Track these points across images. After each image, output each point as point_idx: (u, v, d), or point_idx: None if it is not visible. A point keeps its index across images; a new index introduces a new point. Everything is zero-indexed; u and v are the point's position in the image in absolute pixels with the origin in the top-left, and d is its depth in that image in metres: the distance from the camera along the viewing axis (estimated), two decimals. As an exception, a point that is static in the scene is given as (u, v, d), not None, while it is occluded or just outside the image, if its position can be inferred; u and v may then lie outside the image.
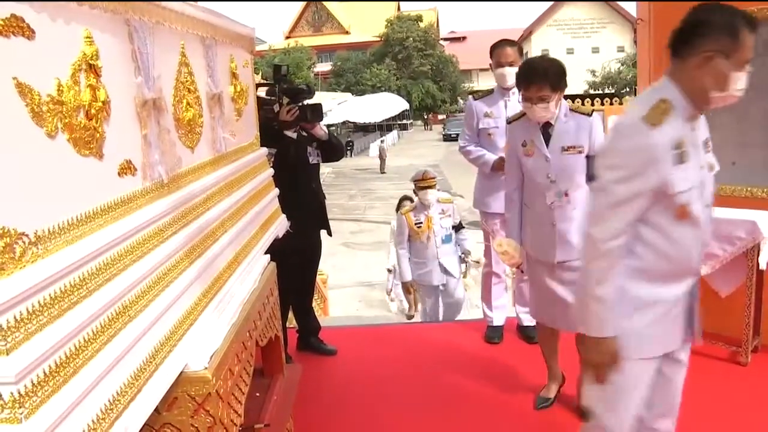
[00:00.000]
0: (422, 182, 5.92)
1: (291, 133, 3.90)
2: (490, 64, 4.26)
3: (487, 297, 4.59)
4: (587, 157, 3.11)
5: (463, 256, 6.32)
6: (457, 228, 6.15)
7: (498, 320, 4.56)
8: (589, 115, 3.15)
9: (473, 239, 6.47)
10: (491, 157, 4.18)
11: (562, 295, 3.21)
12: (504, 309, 4.59)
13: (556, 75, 3.00)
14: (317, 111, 3.92)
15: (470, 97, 4.45)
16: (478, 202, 4.46)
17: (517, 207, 3.37)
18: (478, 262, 6.24)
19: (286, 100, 3.91)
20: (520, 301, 4.46)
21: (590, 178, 2.97)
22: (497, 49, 4.19)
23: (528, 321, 4.29)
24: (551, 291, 3.26)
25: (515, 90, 4.06)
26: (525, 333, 4.44)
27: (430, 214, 5.90)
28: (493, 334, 4.51)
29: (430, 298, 6.16)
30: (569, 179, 3.13)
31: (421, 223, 5.92)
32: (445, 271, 5.98)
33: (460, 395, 3.76)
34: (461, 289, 6.30)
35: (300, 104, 3.87)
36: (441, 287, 6.04)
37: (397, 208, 6.99)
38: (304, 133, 4.04)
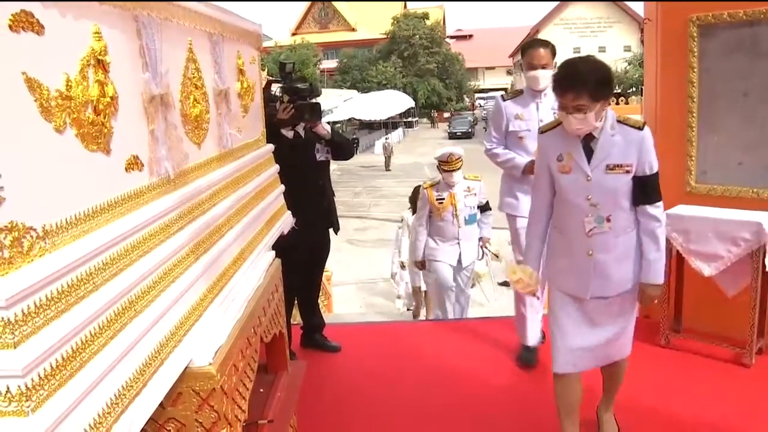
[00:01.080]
0: (447, 165, 5.50)
1: (287, 132, 3.86)
2: (520, 63, 4.04)
3: (520, 314, 4.14)
4: (634, 177, 2.66)
5: (480, 242, 5.82)
6: (483, 208, 5.73)
7: (533, 339, 4.12)
8: (641, 128, 2.63)
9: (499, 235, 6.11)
10: (522, 160, 3.89)
11: (590, 340, 2.83)
12: (540, 326, 4.14)
13: (597, 82, 2.54)
14: (314, 111, 3.88)
15: (499, 96, 4.14)
16: (504, 205, 4.15)
17: (541, 230, 2.95)
18: (497, 256, 5.93)
19: (286, 98, 3.90)
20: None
21: (637, 201, 2.70)
22: (529, 49, 3.92)
23: (531, 340, 4.09)
24: (580, 332, 2.83)
25: (546, 91, 3.87)
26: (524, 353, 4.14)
27: (453, 191, 5.49)
28: (530, 356, 4.11)
29: (444, 279, 5.63)
30: (613, 203, 2.69)
31: (443, 199, 5.50)
32: (462, 255, 5.57)
33: (463, 394, 3.76)
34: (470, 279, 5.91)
35: (297, 103, 3.84)
36: (456, 274, 5.62)
37: (411, 199, 6.70)
38: (313, 131, 4.03)
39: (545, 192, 2.87)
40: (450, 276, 5.64)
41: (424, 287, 7.17)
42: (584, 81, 2.52)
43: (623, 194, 2.68)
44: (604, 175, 2.65)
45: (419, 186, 6.10)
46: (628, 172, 2.64)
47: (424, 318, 7.31)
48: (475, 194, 5.56)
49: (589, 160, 2.67)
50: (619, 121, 2.67)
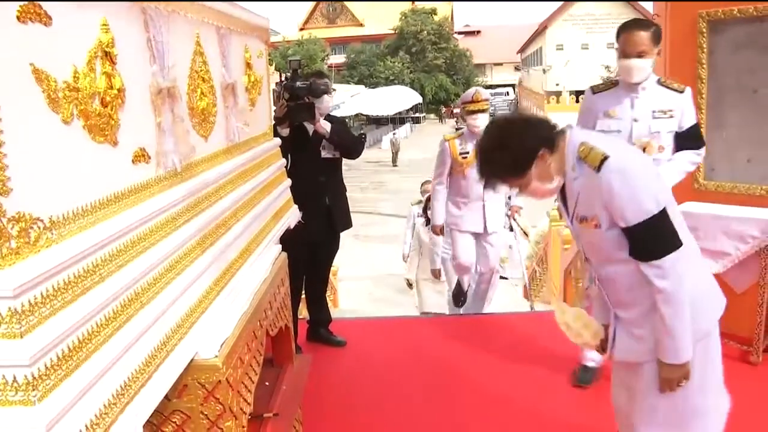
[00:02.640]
0: (472, 105, 4.68)
1: (283, 129, 3.86)
2: (617, 50, 3.28)
3: None
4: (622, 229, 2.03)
5: (508, 212, 5.15)
6: None
7: (592, 359, 3.67)
8: (597, 168, 1.98)
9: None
10: None
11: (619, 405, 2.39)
12: None
13: (506, 167, 2.10)
14: (306, 111, 3.84)
15: (589, 89, 3.53)
16: None
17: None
18: (526, 234, 5.37)
19: (286, 95, 3.88)
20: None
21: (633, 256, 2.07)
22: (624, 32, 3.19)
23: (590, 361, 3.67)
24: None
25: (645, 85, 3.24)
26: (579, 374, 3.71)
27: (469, 127, 4.75)
28: (586, 376, 3.68)
29: (464, 248, 4.92)
30: (598, 259, 2.20)
31: (468, 153, 4.67)
32: (487, 222, 4.78)
33: (469, 390, 3.76)
34: (497, 254, 5.07)
35: (290, 104, 3.82)
36: (480, 241, 4.89)
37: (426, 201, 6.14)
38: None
39: None
40: (471, 255, 4.95)
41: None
42: (492, 172, 2.14)
43: (609, 250, 2.10)
44: (580, 229, 2.16)
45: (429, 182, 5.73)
46: (597, 227, 2.06)
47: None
48: None
49: (566, 209, 2.22)
50: (580, 159, 2.05)
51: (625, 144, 2.20)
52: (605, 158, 1.97)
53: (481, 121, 4.58)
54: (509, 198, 5.13)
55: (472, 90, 4.79)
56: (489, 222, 4.80)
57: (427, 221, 5.88)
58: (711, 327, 2.17)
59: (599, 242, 2.10)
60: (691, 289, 2.04)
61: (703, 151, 3.29)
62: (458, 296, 5.26)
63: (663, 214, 1.97)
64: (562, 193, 2.19)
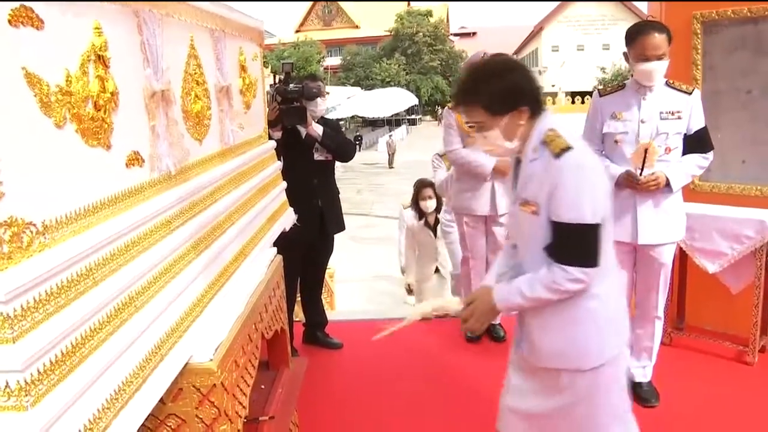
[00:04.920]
0: None
1: (275, 132, 3.85)
2: (625, 53, 3.26)
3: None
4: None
5: None
6: None
7: (642, 374, 3.58)
8: (558, 155, 1.93)
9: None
10: (616, 170, 3.24)
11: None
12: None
13: (493, 93, 1.99)
14: (297, 114, 3.84)
15: (596, 92, 3.51)
16: None
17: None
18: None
19: (279, 98, 3.88)
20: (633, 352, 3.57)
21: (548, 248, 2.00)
22: (640, 36, 3.12)
23: (641, 377, 3.58)
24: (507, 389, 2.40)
25: (654, 86, 3.22)
26: (636, 392, 3.53)
27: None
28: (650, 396, 3.53)
29: (475, 236, 4.47)
30: (527, 250, 2.13)
31: None
32: (497, 199, 4.30)
33: (467, 392, 3.76)
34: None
35: (281, 107, 3.82)
36: (490, 226, 4.42)
37: (414, 193, 5.78)
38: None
39: None
40: (483, 252, 4.51)
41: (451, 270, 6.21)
42: (476, 91, 2.02)
43: (539, 241, 2.01)
44: (519, 211, 2.07)
45: (419, 183, 5.58)
46: (534, 213, 1.99)
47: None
48: None
49: (514, 187, 2.14)
50: (544, 143, 1.98)
51: (593, 150, 2.19)
52: (568, 148, 1.93)
53: None
54: None
55: (479, 53, 4.27)
56: (500, 201, 4.31)
57: (420, 216, 5.73)
58: (619, 352, 2.14)
59: (532, 230, 2.03)
60: (612, 309, 2.08)
61: (710, 155, 3.27)
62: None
63: (595, 229, 1.93)
64: (515, 172, 2.15)
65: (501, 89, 1.98)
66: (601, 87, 3.56)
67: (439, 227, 5.80)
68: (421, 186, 5.62)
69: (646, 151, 3.11)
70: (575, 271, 1.93)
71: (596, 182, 1.97)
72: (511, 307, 2.11)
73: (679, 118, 3.18)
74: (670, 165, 3.19)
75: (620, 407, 2.22)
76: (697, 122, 3.23)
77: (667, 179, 3.14)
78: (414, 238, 5.98)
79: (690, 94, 3.22)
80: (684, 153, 3.24)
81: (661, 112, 3.19)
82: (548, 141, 1.97)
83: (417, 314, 2.35)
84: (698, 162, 3.25)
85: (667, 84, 3.23)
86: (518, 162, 2.12)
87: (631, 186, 3.19)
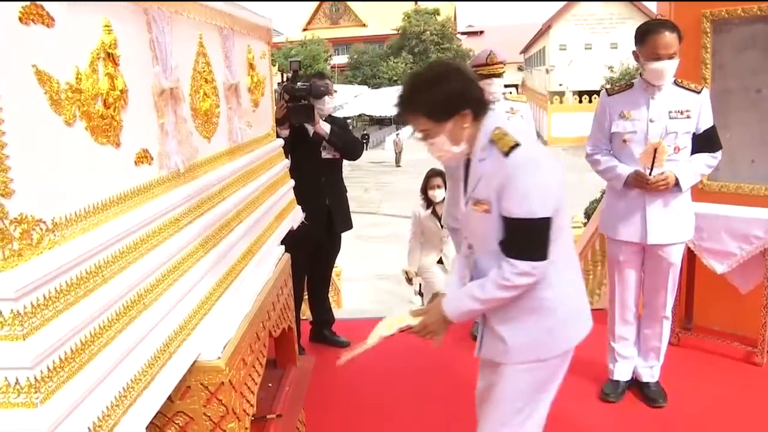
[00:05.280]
0: (486, 68, 4.17)
1: (282, 130, 3.85)
2: (635, 52, 3.22)
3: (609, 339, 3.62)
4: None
5: None
6: None
7: (621, 373, 3.58)
8: (506, 153, 1.96)
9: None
10: (625, 170, 3.22)
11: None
12: (631, 360, 3.59)
13: (433, 102, 1.99)
14: (305, 112, 3.84)
15: (603, 91, 3.47)
16: (604, 225, 3.52)
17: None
18: None
19: (286, 96, 3.88)
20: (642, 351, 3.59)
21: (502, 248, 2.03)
22: (651, 34, 3.09)
23: (649, 377, 3.55)
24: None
25: (663, 86, 3.19)
26: (644, 392, 3.55)
27: (494, 110, 4.39)
28: (612, 391, 3.56)
29: None
30: (484, 249, 2.13)
31: None
32: None
33: (473, 388, 3.75)
34: None
35: (288, 105, 3.82)
36: None
37: (424, 181, 5.70)
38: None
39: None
40: None
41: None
42: (416, 101, 2.02)
43: (494, 239, 2.04)
44: (471, 211, 2.11)
45: (431, 172, 5.48)
46: (486, 211, 2.02)
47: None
48: (522, 117, 4.34)
49: (465, 189, 2.16)
50: (492, 141, 2.01)
51: (539, 144, 2.20)
52: (516, 145, 1.95)
53: (496, 87, 4.17)
54: None
55: (485, 51, 4.27)
56: None
57: (428, 205, 5.66)
58: (570, 348, 2.17)
59: (485, 229, 2.06)
60: (559, 308, 2.09)
61: (719, 154, 3.25)
62: None
63: (545, 222, 1.96)
64: (465, 172, 2.15)
65: (441, 96, 1.98)
66: (608, 86, 3.52)
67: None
68: (430, 175, 5.55)
69: (655, 150, 3.09)
70: (523, 265, 1.96)
71: (546, 176, 2.00)
72: (465, 313, 2.13)
73: (689, 117, 3.16)
74: (679, 164, 3.17)
75: (548, 399, 2.25)
76: (706, 121, 3.21)
77: (677, 179, 3.13)
78: (420, 225, 5.89)
79: (699, 93, 3.20)
80: (692, 152, 3.23)
81: (670, 112, 3.16)
82: (496, 140, 2.00)
83: (377, 336, 2.34)
84: (707, 161, 3.23)
85: (676, 83, 3.21)
86: (468, 163, 2.13)
87: (641, 186, 3.17)
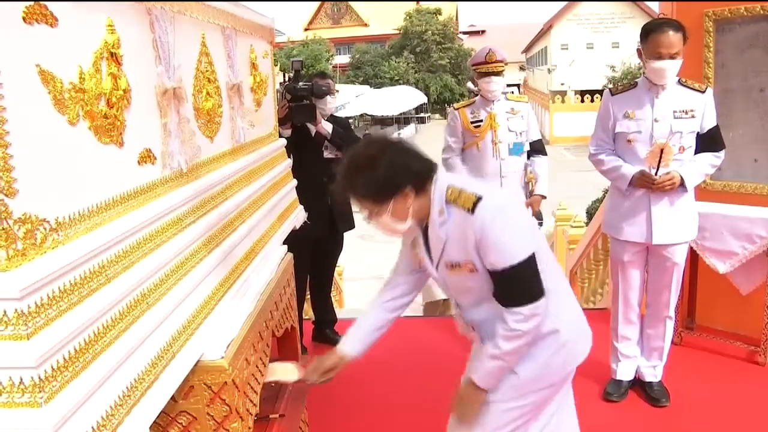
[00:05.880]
0: (485, 66, 4.14)
1: (284, 130, 3.85)
2: (639, 50, 3.20)
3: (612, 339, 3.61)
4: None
5: (528, 183, 4.60)
6: (534, 149, 4.43)
7: (624, 373, 3.59)
8: (471, 210, 1.91)
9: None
10: (629, 170, 3.21)
11: None
12: (634, 360, 3.59)
13: (368, 188, 1.95)
14: (307, 112, 3.83)
15: (607, 90, 3.43)
16: (608, 225, 3.48)
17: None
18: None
19: (288, 96, 3.88)
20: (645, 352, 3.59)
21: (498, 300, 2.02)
22: (653, 33, 3.08)
23: (651, 376, 3.56)
24: None
25: (667, 85, 3.18)
26: (646, 392, 3.55)
27: (493, 110, 4.17)
28: (615, 390, 3.56)
29: None
30: (476, 305, 2.15)
31: (481, 121, 4.16)
32: None
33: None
34: None
35: (290, 105, 3.82)
36: None
37: None
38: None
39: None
40: None
41: None
42: (353, 186, 1.98)
43: (486, 291, 2.04)
44: (449, 275, 2.08)
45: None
46: (472, 271, 1.99)
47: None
48: (522, 117, 4.25)
49: (429, 254, 2.12)
50: (449, 202, 1.96)
51: (492, 184, 2.19)
52: (479, 199, 1.91)
53: (495, 85, 4.16)
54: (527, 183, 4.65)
55: (484, 49, 4.24)
56: None
57: None
58: (573, 370, 2.19)
59: (476, 285, 2.04)
60: (563, 331, 2.09)
61: (722, 153, 3.25)
62: None
63: (530, 261, 1.94)
64: (425, 237, 2.09)
65: (377, 179, 1.92)
66: (611, 86, 3.47)
67: None
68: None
69: (662, 151, 3.08)
70: (525, 310, 1.95)
71: (515, 216, 2.00)
72: (491, 374, 2.09)
73: (693, 117, 3.16)
74: (684, 164, 3.16)
75: (571, 424, 2.29)
76: (710, 121, 3.21)
77: (682, 179, 3.12)
78: None
79: (703, 92, 3.19)
80: (696, 152, 3.22)
81: (674, 111, 3.15)
82: (453, 199, 1.96)
83: (269, 376, 2.30)
84: (711, 161, 3.23)
85: (680, 83, 3.21)
86: (426, 228, 2.08)
87: (646, 186, 3.16)
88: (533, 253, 1.95)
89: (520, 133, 4.29)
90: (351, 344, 2.31)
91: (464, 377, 2.22)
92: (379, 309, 2.35)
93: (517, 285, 1.95)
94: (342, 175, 1.98)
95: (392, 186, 1.93)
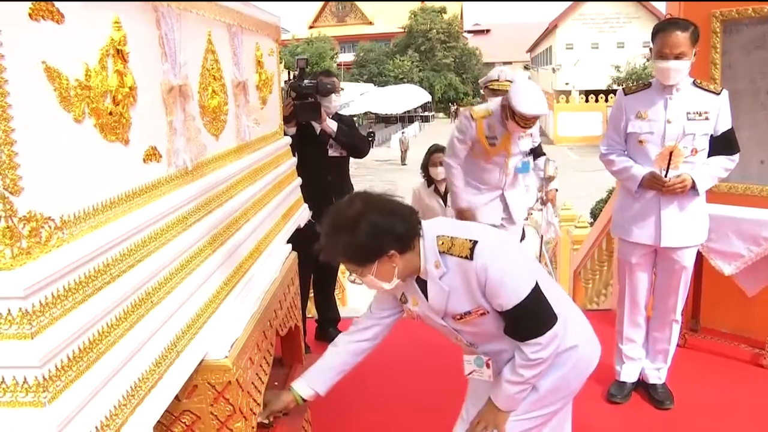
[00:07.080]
0: (496, 83, 4.27)
1: (289, 128, 3.84)
2: (650, 49, 3.18)
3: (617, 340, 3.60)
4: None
5: (540, 197, 4.66)
6: (537, 153, 4.53)
7: (628, 375, 3.56)
8: (468, 256, 1.91)
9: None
10: (640, 171, 3.16)
11: None
12: (639, 362, 3.55)
13: (349, 254, 1.94)
14: (311, 110, 3.82)
15: (620, 90, 3.38)
16: (616, 226, 3.44)
17: None
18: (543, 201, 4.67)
19: (293, 94, 3.87)
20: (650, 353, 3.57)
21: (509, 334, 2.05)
22: (661, 33, 3.05)
23: (656, 378, 3.52)
24: None
25: (680, 86, 3.11)
26: (650, 394, 3.52)
27: (509, 130, 4.05)
28: (618, 392, 3.52)
29: None
30: (489, 342, 2.16)
31: (496, 140, 4.10)
32: (512, 208, 4.32)
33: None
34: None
35: (295, 102, 3.81)
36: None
37: (426, 158, 5.44)
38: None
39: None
40: (495, 217, 4.37)
41: None
42: (336, 251, 1.93)
43: (499, 328, 2.05)
44: (459, 325, 2.08)
45: (434, 148, 5.24)
46: (483, 314, 1.99)
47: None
48: (530, 134, 4.25)
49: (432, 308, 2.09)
50: (443, 253, 1.95)
51: (477, 224, 2.22)
52: (474, 244, 1.90)
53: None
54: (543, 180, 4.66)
55: (496, 70, 4.51)
56: (514, 210, 4.36)
57: (429, 182, 5.46)
58: (579, 387, 2.22)
59: (488, 326, 2.03)
60: (580, 346, 2.11)
61: (737, 157, 3.19)
62: None
63: (536, 291, 1.94)
64: (423, 291, 2.05)
65: (357, 245, 1.88)
66: (624, 86, 3.43)
67: (449, 196, 5.02)
68: (432, 151, 5.28)
69: (671, 154, 3.05)
70: (542, 339, 1.96)
71: (513, 252, 2.01)
72: (512, 397, 2.10)
73: (707, 119, 3.10)
74: (696, 167, 3.12)
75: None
76: (725, 123, 3.15)
77: (693, 182, 3.09)
78: (420, 203, 5.51)
79: (718, 94, 3.13)
80: (709, 154, 3.18)
81: (688, 113, 3.10)
82: (447, 249, 1.95)
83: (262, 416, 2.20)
84: (724, 164, 3.17)
85: (695, 84, 3.16)
86: (422, 281, 2.04)
87: (656, 188, 3.12)
88: (536, 283, 1.96)
89: (526, 154, 4.32)
90: (312, 384, 2.27)
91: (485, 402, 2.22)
92: (346, 351, 2.31)
93: (530, 319, 1.96)
94: (324, 236, 1.94)
95: (375, 250, 1.89)
